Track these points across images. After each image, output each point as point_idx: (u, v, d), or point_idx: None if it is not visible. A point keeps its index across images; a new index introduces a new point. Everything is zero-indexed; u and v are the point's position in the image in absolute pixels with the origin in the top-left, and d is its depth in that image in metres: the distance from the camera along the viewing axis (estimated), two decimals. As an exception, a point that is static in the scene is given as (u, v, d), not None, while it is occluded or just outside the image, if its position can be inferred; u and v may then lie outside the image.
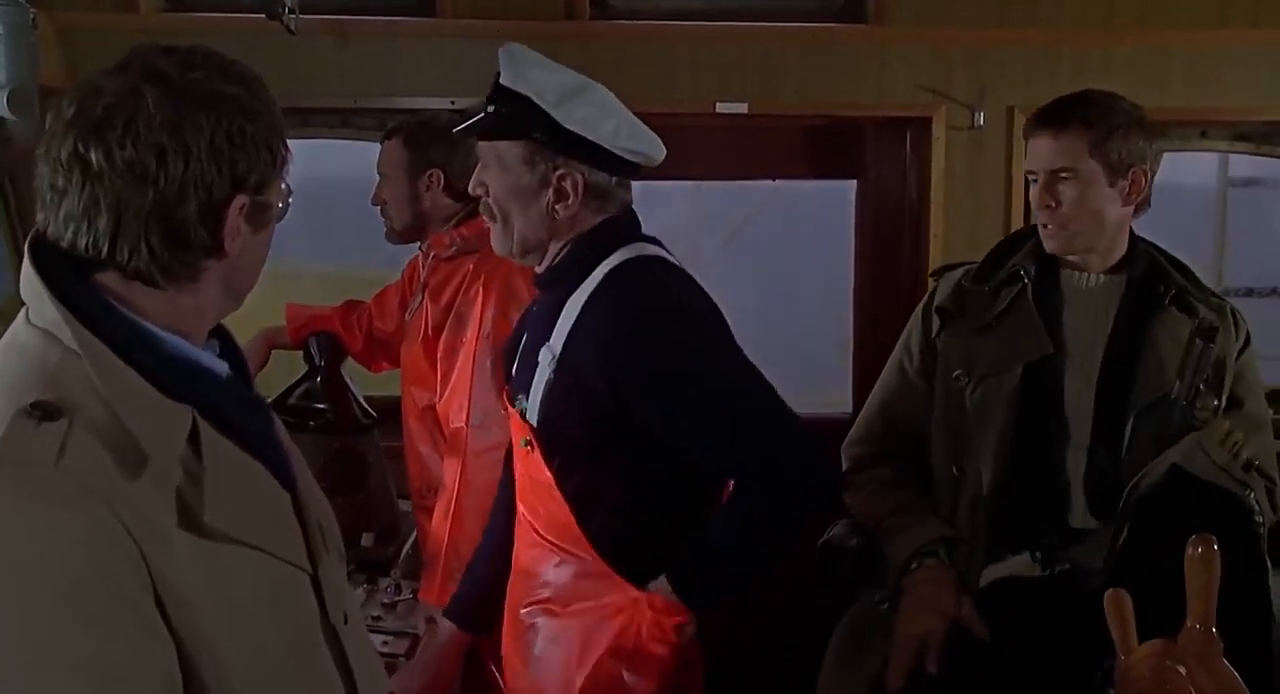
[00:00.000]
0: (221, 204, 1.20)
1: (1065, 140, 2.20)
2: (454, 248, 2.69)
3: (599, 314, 1.94)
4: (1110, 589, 1.28)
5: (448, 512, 2.54)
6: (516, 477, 2.10)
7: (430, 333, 2.66)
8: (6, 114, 2.58)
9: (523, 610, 2.08)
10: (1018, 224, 3.36)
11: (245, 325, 1.38)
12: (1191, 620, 1.19)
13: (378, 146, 2.84)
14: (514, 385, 2.09)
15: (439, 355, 2.62)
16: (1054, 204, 2.22)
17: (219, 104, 1.19)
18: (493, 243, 2.05)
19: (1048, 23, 3.40)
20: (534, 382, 2.00)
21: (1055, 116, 2.23)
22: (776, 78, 3.33)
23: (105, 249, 1.18)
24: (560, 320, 1.98)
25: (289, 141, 1.29)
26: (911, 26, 3.38)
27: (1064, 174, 2.21)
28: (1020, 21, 3.40)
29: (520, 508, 2.09)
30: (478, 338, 2.56)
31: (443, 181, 2.73)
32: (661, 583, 1.96)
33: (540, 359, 1.99)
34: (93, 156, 1.16)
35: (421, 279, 2.76)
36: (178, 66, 1.19)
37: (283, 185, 1.29)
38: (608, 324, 1.93)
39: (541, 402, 1.99)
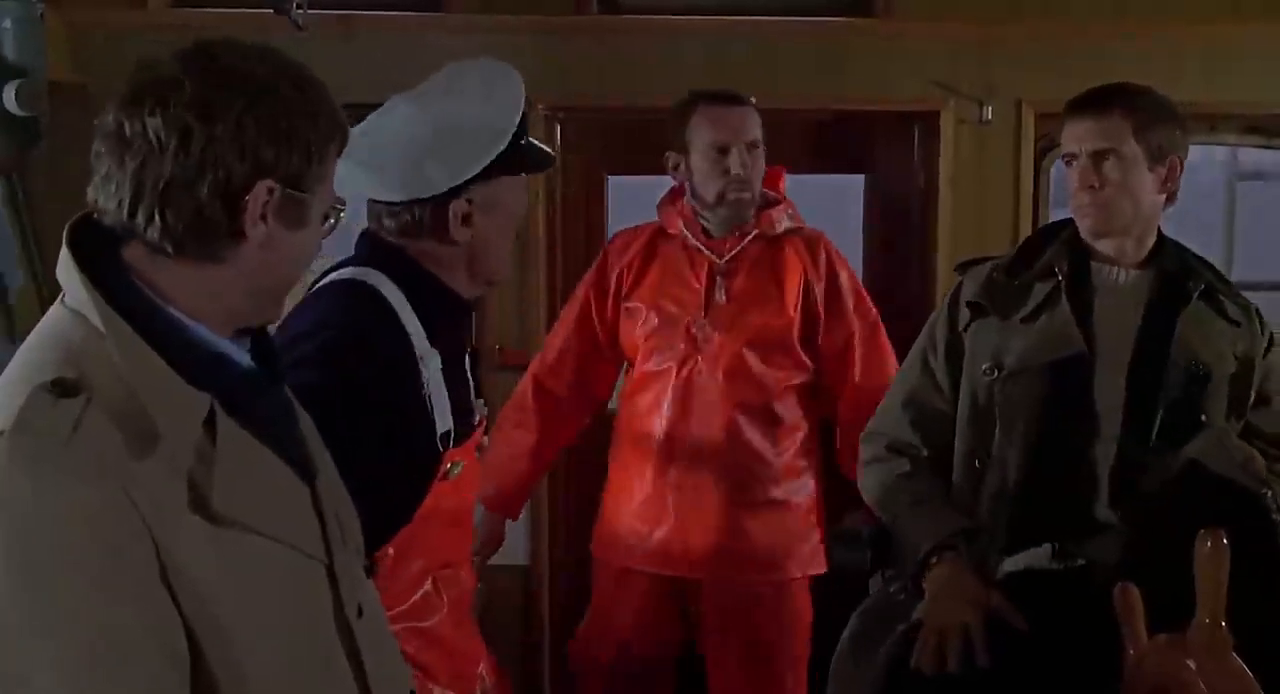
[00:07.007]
0: (241, 187, 1.21)
1: (1109, 121, 2.21)
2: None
3: None
4: (1120, 583, 1.27)
5: None
6: None
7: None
8: (15, 109, 2.58)
9: None
10: (1026, 218, 3.36)
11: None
12: (1201, 614, 1.18)
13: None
14: None
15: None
16: (1096, 185, 2.22)
17: (255, 91, 1.21)
18: None
19: (1057, 15, 3.39)
20: None
21: (1098, 100, 2.24)
22: (784, 72, 3.32)
23: (125, 215, 1.20)
24: None
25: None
26: (919, 21, 3.37)
27: (1107, 155, 2.21)
28: (1029, 14, 3.39)
29: None
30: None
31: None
32: None
33: None
34: (125, 127, 1.19)
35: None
36: (230, 53, 1.22)
37: (328, 192, 1.29)
38: None
39: None
